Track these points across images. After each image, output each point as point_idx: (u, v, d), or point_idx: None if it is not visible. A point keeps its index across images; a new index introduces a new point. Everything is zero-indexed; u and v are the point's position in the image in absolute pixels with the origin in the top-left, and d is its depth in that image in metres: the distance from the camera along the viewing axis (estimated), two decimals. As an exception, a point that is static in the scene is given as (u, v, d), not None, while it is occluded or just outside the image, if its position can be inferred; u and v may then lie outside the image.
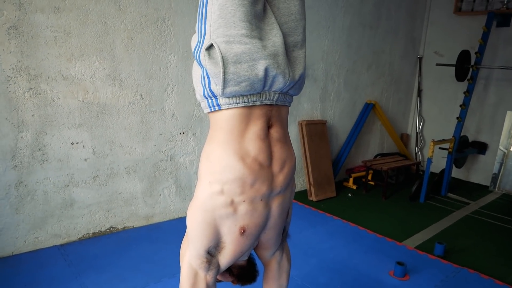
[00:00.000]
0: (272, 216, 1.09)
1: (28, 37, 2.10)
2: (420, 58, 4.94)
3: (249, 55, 0.93)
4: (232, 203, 1.00)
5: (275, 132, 1.06)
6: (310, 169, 3.54)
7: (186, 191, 2.93)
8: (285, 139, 1.09)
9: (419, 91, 4.99)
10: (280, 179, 1.07)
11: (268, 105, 1.03)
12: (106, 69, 2.37)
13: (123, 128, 2.51)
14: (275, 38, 0.99)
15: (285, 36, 1.04)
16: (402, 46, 4.63)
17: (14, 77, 2.09)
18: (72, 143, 2.35)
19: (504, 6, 4.17)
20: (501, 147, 4.38)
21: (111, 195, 2.56)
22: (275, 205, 1.09)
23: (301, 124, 3.54)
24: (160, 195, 2.79)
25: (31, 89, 2.15)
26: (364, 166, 4.01)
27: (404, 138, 5.04)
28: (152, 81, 2.57)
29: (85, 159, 2.41)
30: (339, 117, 4.03)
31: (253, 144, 1.00)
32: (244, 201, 1.01)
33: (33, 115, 2.18)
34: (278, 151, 1.06)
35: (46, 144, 2.25)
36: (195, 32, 1.04)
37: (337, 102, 3.97)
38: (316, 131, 3.64)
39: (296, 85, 1.09)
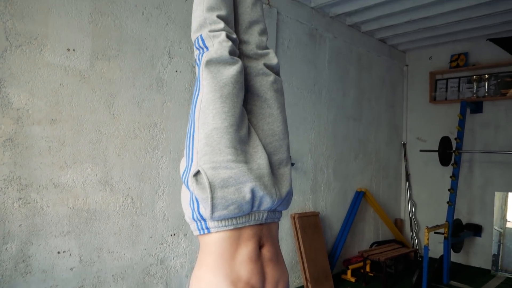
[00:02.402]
0: None
1: (22, 148, 2.15)
2: (404, 144, 5.13)
3: (235, 179, 0.97)
4: (224, 332, 0.95)
5: (266, 251, 1.05)
6: (305, 264, 3.42)
7: (177, 296, 2.77)
8: (277, 257, 1.08)
9: (407, 176, 5.09)
10: (273, 302, 1.03)
11: (258, 225, 1.04)
12: (98, 174, 2.40)
13: (112, 233, 2.46)
14: (260, 160, 1.04)
15: (270, 155, 1.09)
16: (385, 134, 4.84)
17: (5, 187, 2.10)
18: (58, 252, 2.27)
19: (474, 95, 4.49)
20: (496, 227, 4.36)
21: (97, 307, 2.41)
22: (269, 330, 1.03)
23: (294, 218, 3.51)
24: (149, 302, 2.64)
25: (20, 199, 2.14)
26: (361, 256, 3.90)
27: (398, 224, 5.00)
28: (143, 183, 2.59)
29: (71, 269, 2.31)
30: (331, 207, 4.03)
31: (244, 267, 0.98)
32: (236, 329, 0.96)
33: (20, 225, 2.14)
34: (270, 272, 1.04)
35: (31, 255, 2.17)
36: (185, 137, 1.08)
37: (328, 193, 4.00)
38: (309, 223, 3.61)
39: (284, 202, 1.11)
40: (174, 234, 2.75)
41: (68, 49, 2.29)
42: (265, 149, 1.08)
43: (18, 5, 2.13)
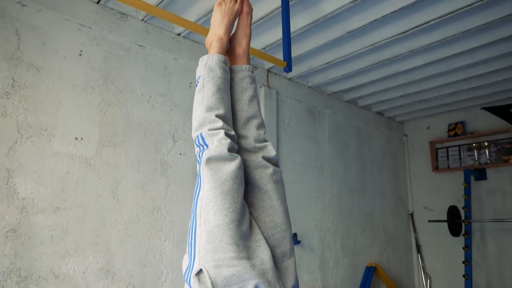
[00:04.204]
0: None
1: (25, 238, 2.14)
2: (411, 214, 5.04)
3: (238, 277, 0.95)
4: None
5: None
6: None
7: None
8: None
9: (418, 247, 4.92)
10: None
11: (263, 326, 1.00)
12: (100, 262, 2.35)
13: (112, 326, 2.34)
14: (262, 255, 1.03)
15: (273, 248, 1.08)
16: (391, 205, 4.78)
17: (4, 280, 2.04)
18: None
19: (476, 163, 4.51)
20: (519, 302, 4.09)
21: None
22: None
23: (303, 299, 3.35)
24: None
25: (19, 291, 2.08)
26: None
27: (414, 300, 4.72)
28: (146, 270, 2.52)
29: None
30: (341, 285, 3.85)
31: None
32: None
33: (16, 321, 2.05)
34: None
35: None
36: (189, 215, 1.08)
37: (337, 270, 3.85)
38: (319, 304, 3.42)
39: (290, 297, 1.08)
40: (177, 324, 2.60)
41: (76, 138, 2.38)
42: (267, 242, 1.08)
43: (31, 100, 2.26)
